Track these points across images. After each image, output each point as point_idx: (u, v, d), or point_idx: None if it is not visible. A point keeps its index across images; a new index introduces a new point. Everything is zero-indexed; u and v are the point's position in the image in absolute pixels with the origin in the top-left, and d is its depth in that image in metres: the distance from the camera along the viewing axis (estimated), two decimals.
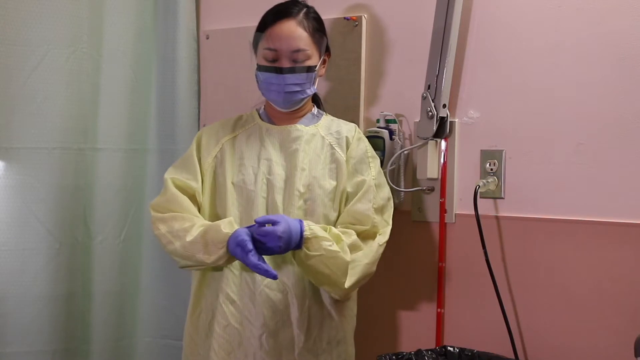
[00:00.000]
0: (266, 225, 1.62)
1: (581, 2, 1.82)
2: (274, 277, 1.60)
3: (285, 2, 1.80)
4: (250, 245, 1.60)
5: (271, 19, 1.76)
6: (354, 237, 1.70)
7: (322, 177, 1.76)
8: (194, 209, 1.78)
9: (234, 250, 1.63)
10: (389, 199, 1.80)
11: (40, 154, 2.10)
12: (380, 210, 1.76)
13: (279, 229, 1.59)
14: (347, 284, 1.66)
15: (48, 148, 2.12)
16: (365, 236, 1.73)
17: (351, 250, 1.68)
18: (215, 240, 1.66)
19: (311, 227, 1.64)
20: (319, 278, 1.68)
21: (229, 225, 1.69)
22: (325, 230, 1.67)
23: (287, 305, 1.73)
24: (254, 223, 1.66)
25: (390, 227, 1.78)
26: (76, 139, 2.19)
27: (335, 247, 1.64)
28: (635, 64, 1.75)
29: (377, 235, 1.74)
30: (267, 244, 1.61)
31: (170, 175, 1.81)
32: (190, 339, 1.82)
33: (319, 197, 1.74)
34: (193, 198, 1.79)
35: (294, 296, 1.73)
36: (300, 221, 1.65)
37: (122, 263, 2.32)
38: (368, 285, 1.84)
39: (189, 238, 1.69)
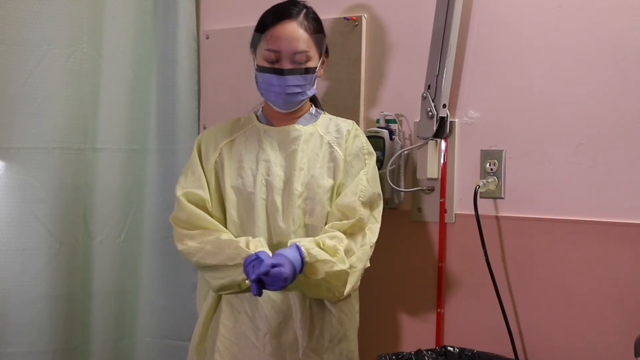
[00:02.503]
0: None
1: (581, 2, 1.82)
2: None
3: (284, 3, 1.79)
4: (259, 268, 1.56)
5: (271, 19, 1.75)
6: (345, 241, 1.67)
7: (321, 175, 1.75)
8: (216, 222, 1.76)
9: (249, 260, 1.60)
10: (379, 196, 1.78)
11: (40, 154, 2.10)
12: (369, 204, 1.74)
13: (285, 271, 1.54)
14: (345, 292, 1.67)
15: (48, 148, 2.11)
16: (353, 231, 1.71)
17: (345, 255, 1.66)
18: (238, 248, 1.65)
19: (310, 252, 1.60)
20: (318, 293, 1.68)
21: (257, 242, 1.68)
22: (321, 246, 1.64)
23: (289, 305, 1.74)
24: (254, 225, 1.69)
25: (379, 225, 1.77)
26: (76, 139, 2.18)
27: (336, 268, 1.61)
28: (635, 64, 1.75)
29: (366, 231, 1.73)
30: (274, 286, 1.55)
31: (180, 191, 1.79)
32: (200, 339, 1.82)
33: (317, 195, 1.73)
34: (205, 209, 1.77)
35: (295, 296, 1.73)
36: (298, 247, 1.60)
37: (122, 263, 2.32)
38: (368, 285, 1.84)
39: (224, 237, 1.70)
